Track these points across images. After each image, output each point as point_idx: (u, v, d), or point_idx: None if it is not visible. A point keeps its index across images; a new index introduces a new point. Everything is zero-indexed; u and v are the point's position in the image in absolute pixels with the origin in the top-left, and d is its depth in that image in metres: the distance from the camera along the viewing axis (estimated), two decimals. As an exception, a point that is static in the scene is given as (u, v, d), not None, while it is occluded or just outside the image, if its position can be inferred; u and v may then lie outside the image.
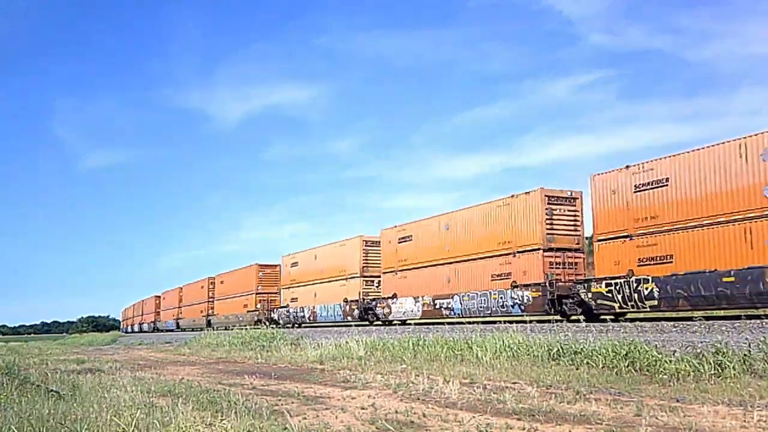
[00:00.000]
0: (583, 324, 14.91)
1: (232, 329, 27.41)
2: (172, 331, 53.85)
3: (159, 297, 64.27)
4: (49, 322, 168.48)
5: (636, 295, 16.39)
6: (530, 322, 15.28)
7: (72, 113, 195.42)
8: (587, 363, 10.02)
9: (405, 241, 25.56)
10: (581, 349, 10.57)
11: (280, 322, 34.10)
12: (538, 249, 19.35)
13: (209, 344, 24.42)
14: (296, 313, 34.24)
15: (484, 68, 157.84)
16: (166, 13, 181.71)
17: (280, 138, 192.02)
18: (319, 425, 6.20)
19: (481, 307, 21.10)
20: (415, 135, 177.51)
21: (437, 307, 23.09)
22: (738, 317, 13.43)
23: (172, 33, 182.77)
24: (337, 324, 30.17)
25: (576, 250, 19.55)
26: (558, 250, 19.45)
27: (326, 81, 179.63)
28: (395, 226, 26.57)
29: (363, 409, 7.30)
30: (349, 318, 29.17)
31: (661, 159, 16.69)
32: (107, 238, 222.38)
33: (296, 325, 33.77)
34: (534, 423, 6.00)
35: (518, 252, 20.05)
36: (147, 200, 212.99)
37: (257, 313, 36.13)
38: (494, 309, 20.66)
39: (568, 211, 19.72)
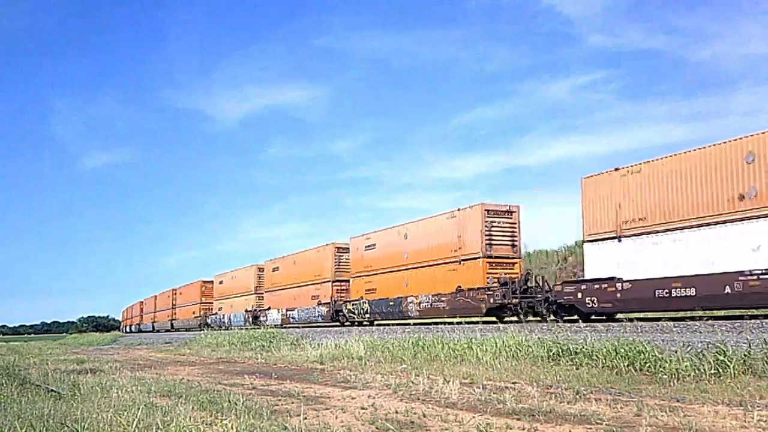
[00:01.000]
0: (583, 324, 14.93)
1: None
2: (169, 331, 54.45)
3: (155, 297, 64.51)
4: (49, 322, 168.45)
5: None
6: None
7: (71, 113, 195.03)
8: (587, 363, 10.03)
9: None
10: (581, 349, 10.57)
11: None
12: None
13: (209, 344, 24.43)
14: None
15: (484, 68, 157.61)
16: (166, 13, 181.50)
17: (280, 138, 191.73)
18: (319, 425, 6.21)
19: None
20: (415, 135, 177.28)
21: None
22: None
23: (172, 33, 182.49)
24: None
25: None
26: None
27: (326, 81, 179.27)
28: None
29: (363, 409, 7.30)
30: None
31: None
32: (107, 238, 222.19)
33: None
34: (534, 423, 6.00)
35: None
36: (147, 200, 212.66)
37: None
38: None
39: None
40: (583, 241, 18.22)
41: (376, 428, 6.11)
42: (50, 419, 6.28)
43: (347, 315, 28.29)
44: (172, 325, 47.19)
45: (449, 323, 19.03)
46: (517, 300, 19.72)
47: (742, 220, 14.26)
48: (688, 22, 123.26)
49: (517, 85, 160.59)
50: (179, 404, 6.82)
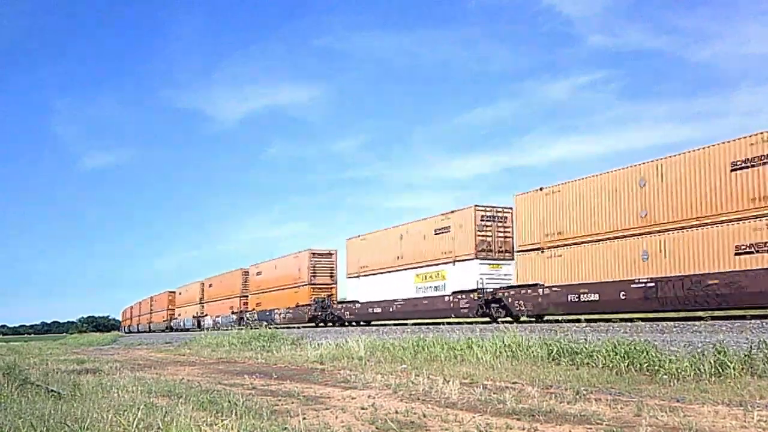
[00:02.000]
0: (583, 324, 14.95)
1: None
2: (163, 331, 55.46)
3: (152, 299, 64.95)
4: (49, 322, 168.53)
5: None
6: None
7: (72, 113, 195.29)
8: (587, 363, 10.03)
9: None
10: (581, 349, 10.57)
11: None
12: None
13: (209, 344, 24.41)
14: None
15: (484, 68, 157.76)
16: (166, 13, 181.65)
17: (280, 138, 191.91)
18: (319, 425, 6.21)
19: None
20: (415, 135, 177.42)
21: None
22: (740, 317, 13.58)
23: (172, 33, 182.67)
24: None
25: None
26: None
27: (326, 81, 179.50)
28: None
29: (363, 409, 7.30)
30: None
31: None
32: (107, 238, 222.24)
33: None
34: (534, 423, 6.00)
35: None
36: (147, 200, 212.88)
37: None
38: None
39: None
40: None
41: (376, 428, 6.11)
42: (50, 419, 6.28)
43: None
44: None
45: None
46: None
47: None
48: (688, 22, 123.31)
49: (517, 85, 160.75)
50: (179, 404, 6.82)
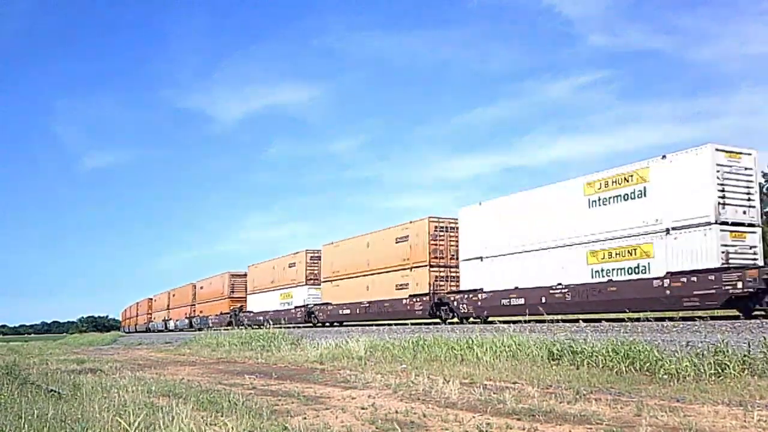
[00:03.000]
0: (583, 324, 14.94)
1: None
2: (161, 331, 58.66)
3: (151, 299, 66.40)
4: (49, 322, 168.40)
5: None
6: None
7: (72, 113, 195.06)
8: (587, 363, 10.02)
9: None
10: (581, 349, 10.56)
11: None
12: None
13: (209, 344, 24.41)
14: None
15: (484, 68, 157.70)
16: (166, 13, 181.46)
17: (280, 138, 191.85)
18: (319, 425, 6.21)
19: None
20: (415, 135, 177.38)
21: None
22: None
23: (172, 33, 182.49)
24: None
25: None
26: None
27: (326, 81, 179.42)
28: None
29: (363, 409, 7.30)
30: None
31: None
32: (107, 238, 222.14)
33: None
34: (534, 423, 6.01)
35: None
36: (147, 200, 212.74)
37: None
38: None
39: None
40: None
41: (376, 428, 6.11)
42: (51, 419, 6.28)
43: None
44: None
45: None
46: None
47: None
48: (688, 22, 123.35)
49: (518, 85, 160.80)
50: (179, 404, 6.82)
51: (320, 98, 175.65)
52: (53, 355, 26.55)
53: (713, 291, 13.97)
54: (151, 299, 65.20)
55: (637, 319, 13.63)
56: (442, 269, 23.20)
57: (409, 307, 23.89)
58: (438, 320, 22.61)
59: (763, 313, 13.99)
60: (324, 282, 30.77)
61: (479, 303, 20.30)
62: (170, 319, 56.77)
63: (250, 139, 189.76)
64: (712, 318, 13.64)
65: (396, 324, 23.29)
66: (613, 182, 16.63)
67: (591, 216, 16.99)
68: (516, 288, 18.95)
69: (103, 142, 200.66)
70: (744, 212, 14.78)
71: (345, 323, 28.72)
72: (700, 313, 14.37)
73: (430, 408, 7.14)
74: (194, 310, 50.01)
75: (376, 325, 24.47)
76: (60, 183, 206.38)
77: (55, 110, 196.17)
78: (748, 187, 14.94)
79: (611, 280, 16.27)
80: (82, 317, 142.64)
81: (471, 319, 21.06)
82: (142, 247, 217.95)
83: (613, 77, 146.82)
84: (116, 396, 8.41)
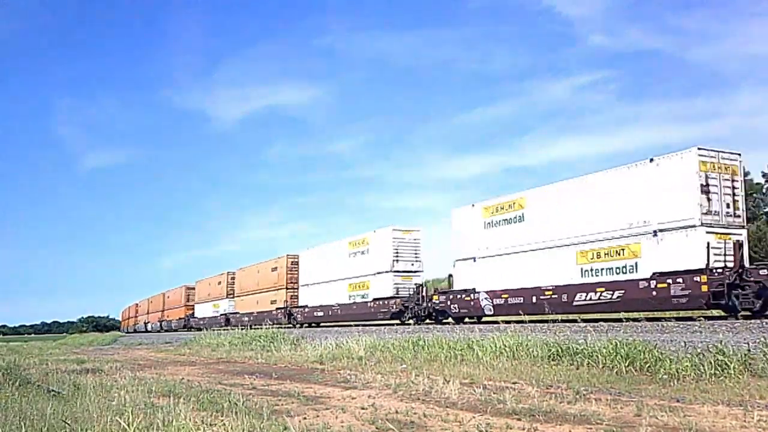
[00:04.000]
0: (583, 324, 14.95)
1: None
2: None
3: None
4: (49, 322, 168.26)
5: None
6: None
7: (72, 113, 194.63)
8: (587, 363, 10.02)
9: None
10: (581, 349, 10.56)
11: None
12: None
13: (209, 344, 24.41)
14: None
15: (485, 68, 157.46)
16: (166, 13, 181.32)
17: (280, 138, 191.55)
18: (319, 425, 6.21)
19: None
20: (415, 135, 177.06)
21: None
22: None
23: (172, 33, 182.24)
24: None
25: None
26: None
27: (327, 81, 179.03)
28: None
29: (363, 409, 7.30)
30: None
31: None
32: (107, 238, 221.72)
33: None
34: (534, 423, 6.01)
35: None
36: (147, 200, 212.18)
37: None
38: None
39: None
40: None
41: (377, 428, 6.11)
42: (51, 419, 6.28)
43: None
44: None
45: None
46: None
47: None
48: (688, 22, 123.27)
49: (518, 85, 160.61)
50: (179, 404, 6.82)
51: (321, 98, 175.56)
52: (53, 355, 26.55)
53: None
54: (149, 300, 67.85)
55: (636, 320, 13.79)
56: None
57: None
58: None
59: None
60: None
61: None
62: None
63: (250, 139, 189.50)
64: (712, 318, 13.65)
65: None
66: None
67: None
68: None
69: (103, 142, 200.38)
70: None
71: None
72: (698, 313, 14.48)
73: (430, 408, 7.14)
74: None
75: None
76: (60, 183, 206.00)
77: (55, 110, 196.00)
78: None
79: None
80: (82, 317, 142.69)
81: (466, 320, 21.39)
82: (142, 247, 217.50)
83: (613, 77, 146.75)
84: (116, 396, 8.40)
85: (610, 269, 16.32)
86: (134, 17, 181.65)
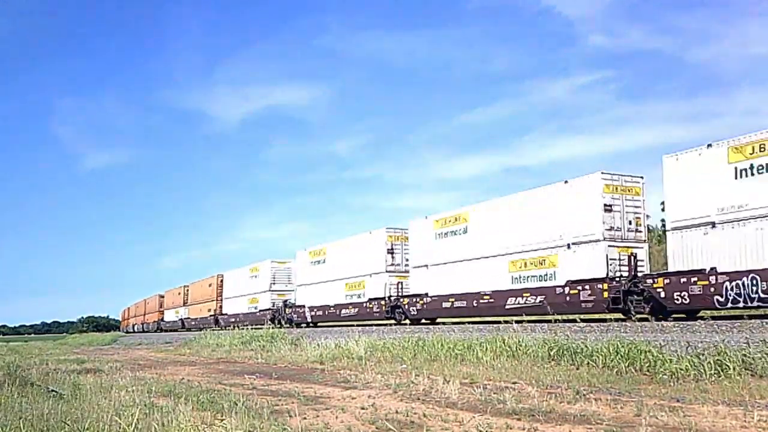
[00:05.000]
0: (583, 324, 14.97)
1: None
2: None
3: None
4: (49, 322, 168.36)
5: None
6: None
7: (72, 113, 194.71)
8: (587, 363, 10.02)
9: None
10: (581, 349, 10.57)
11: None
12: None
13: (209, 344, 24.42)
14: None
15: (484, 68, 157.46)
16: (166, 13, 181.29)
17: (280, 138, 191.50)
18: (319, 425, 6.21)
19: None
20: (415, 135, 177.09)
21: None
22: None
23: (172, 33, 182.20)
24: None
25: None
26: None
27: (326, 81, 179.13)
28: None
29: (363, 409, 7.30)
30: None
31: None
32: (108, 238, 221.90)
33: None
34: (534, 423, 6.01)
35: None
36: (147, 200, 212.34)
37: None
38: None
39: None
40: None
41: (377, 428, 6.11)
42: (51, 419, 6.28)
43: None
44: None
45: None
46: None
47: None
48: (688, 22, 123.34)
49: (517, 85, 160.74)
50: (179, 404, 6.82)
51: (320, 98, 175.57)
52: (53, 356, 26.55)
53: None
54: (146, 301, 69.88)
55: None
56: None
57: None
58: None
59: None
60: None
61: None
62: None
63: (250, 139, 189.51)
64: (713, 318, 13.66)
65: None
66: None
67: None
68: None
69: (103, 142, 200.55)
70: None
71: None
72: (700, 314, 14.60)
73: (430, 408, 7.14)
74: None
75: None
76: (60, 183, 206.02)
77: (55, 110, 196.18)
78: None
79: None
80: (82, 317, 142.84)
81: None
82: (142, 247, 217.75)
83: (612, 77, 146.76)
84: (116, 396, 8.40)
85: (534, 277, 18.74)
86: (134, 17, 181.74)
